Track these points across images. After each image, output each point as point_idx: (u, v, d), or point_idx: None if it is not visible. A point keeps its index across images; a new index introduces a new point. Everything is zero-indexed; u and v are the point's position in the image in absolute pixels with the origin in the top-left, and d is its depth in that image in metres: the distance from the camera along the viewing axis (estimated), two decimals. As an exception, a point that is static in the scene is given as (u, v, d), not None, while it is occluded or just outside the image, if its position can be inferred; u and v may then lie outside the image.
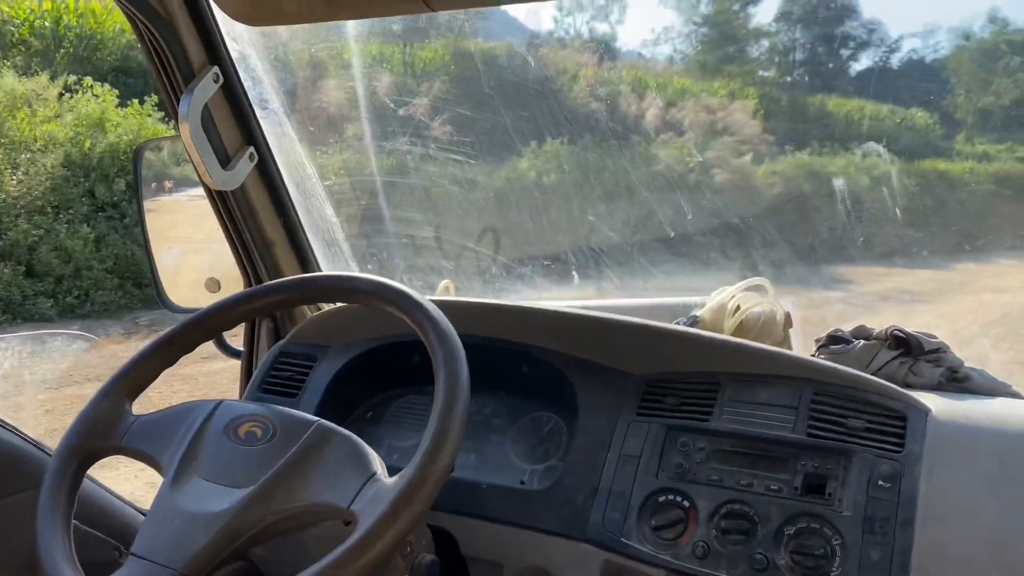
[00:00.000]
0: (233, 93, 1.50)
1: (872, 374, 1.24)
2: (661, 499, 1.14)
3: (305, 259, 1.77)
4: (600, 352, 1.31)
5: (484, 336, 1.38)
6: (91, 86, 9.42)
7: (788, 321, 1.45)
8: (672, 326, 1.34)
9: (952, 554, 1.00)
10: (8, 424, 1.32)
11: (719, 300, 1.47)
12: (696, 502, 1.12)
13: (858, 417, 1.13)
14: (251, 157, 1.57)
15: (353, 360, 1.47)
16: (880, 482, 1.06)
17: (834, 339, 1.37)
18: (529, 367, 1.37)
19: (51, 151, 8.80)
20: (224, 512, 0.95)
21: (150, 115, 9.58)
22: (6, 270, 7.99)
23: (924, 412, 1.12)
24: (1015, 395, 1.27)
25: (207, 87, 1.40)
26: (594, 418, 1.25)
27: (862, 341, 1.35)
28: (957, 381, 1.30)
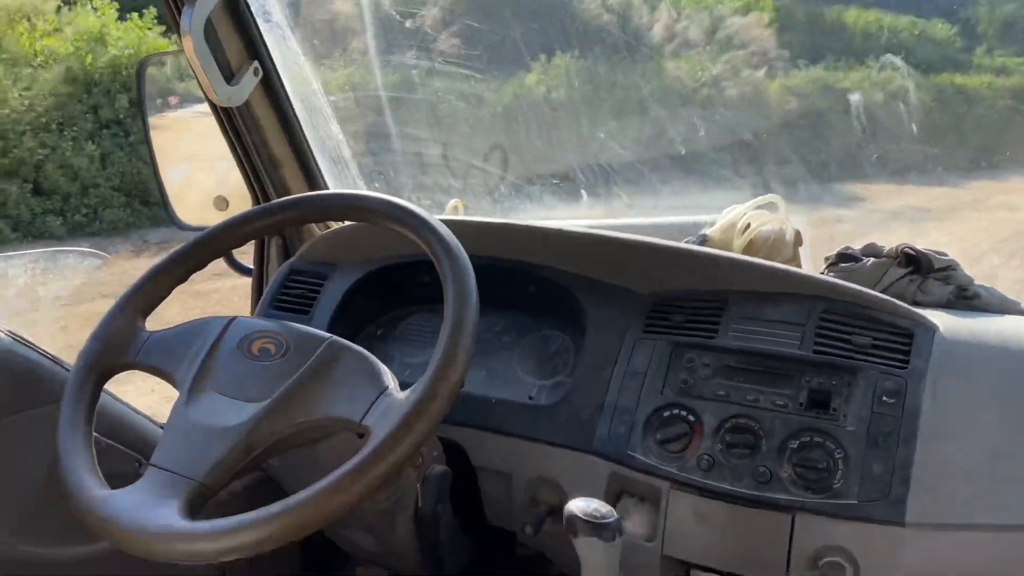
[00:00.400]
0: (235, 5, 1.47)
1: (881, 292, 1.24)
2: (666, 414, 1.16)
3: (312, 177, 1.76)
4: (607, 271, 1.31)
5: (492, 256, 1.38)
6: (90, -2, 9.21)
7: (798, 239, 1.44)
8: (680, 244, 1.33)
9: (952, 468, 1.02)
10: (26, 340, 1.34)
11: (729, 218, 1.46)
12: (701, 416, 1.14)
13: (864, 334, 1.13)
14: (255, 72, 1.54)
15: (363, 278, 1.48)
16: (884, 398, 1.07)
17: (844, 257, 1.37)
18: (536, 286, 1.38)
19: (52, 66, 8.66)
20: (240, 425, 0.97)
21: (150, 28, 9.38)
22: (14, 188, 7.98)
23: (931, 329, 1.13)
24: (1019, 311, 1.28)
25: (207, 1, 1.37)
26: (601, 335, 1.26)
27: (872, 259, 1.35)
28: (966, 299, 1.30)
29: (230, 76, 1.52)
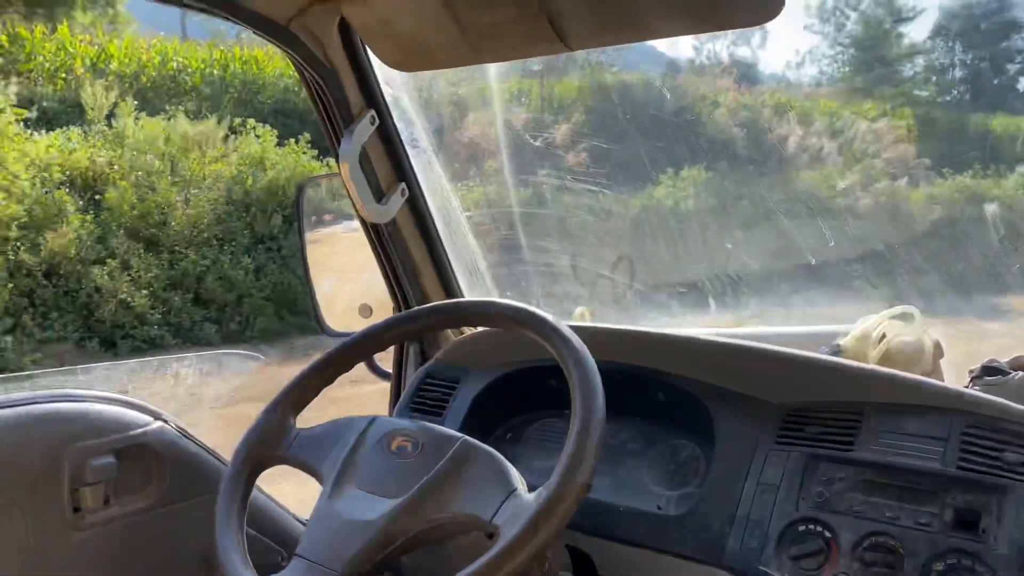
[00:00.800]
0: (387, 134, 1.61)
1: None
2: (801, 528, 1.12)
3: (449, 286, 1.86)
4: (738, 380, 1.30)
5: (620, 363, 1.40)
6: (254, 127, 10.20)
7: (938, 351, 1.39)
8: (813, 354, 1.32)
9: None
10: (189, 434, 1.47)
11: (863, 329, 1.43)
12: (838, 533, 1.09)
13: (1015, 451, 1.07)
14: (403, 193, 1.68)
15: (494, 382, 1.53)
16: None
17: (989, 370, 1.31)
18: (666, 394, 1.39)
19: (216, 188, 9.58)
20: (378, 519, 1.02)
21: (304, 152, 10.24)
22: (176, 298, 8.71)
23: None
24: None
25: (365, 129, 1.52)
26: (732, 446, 1.25)
27: (1020, 373, 1.28)
28: None
29: (380, 196, 1.66)
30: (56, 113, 10.44)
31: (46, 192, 8.67)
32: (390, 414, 1.73)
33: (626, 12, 1.16)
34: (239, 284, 9.08)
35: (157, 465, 1.41)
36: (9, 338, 7.85)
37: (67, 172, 9.21)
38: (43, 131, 9.79)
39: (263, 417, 1.22)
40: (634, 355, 1.42)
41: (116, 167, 9.29)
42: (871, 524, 1.08)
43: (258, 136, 10.16)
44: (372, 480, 1.08)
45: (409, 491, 1.04)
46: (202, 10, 1.29)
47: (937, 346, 1.39)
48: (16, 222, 8.25)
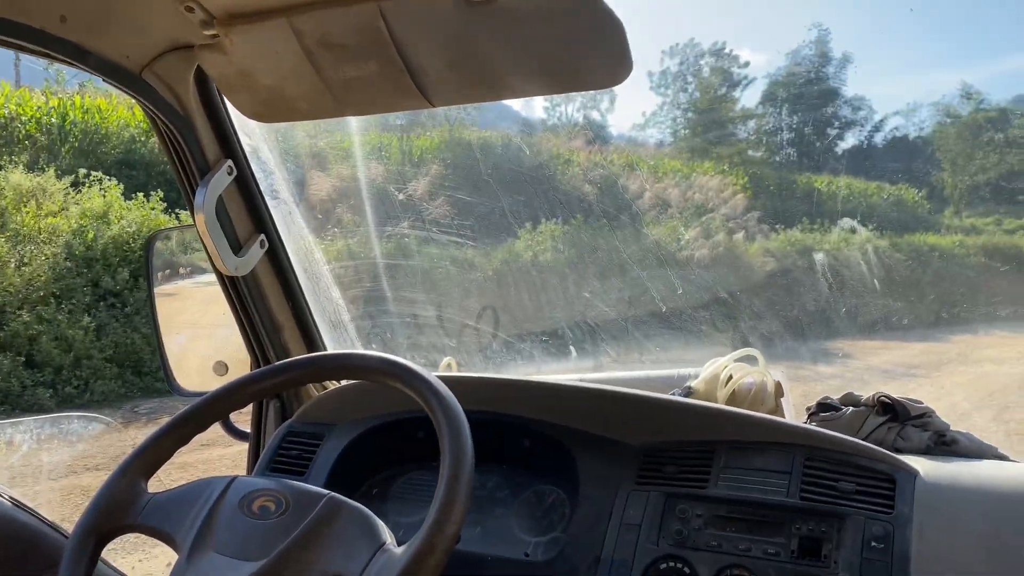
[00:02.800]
0: (246, 184, 1.58)
1: (862, 439, 1.27)
2: (663, 566, 1.16)
3: (312, 340, 1.81)
4: (598, 423, 1.34)
5: (485, 410, 1.41)
6: (100, 179, 9.65)
7: (779, 390, 1.49)
8: (667, 396, 1.38)
9: None
10: (27, 506, 1.35)
11: (712, 371, 1.51)
12: (696, 568, 1.14)
13: (849, 480, 1.16)
14: (262, 244, 1.64)
15: (359, 437, 1.50)
16: (873, 543, 1.08)
17: (824, 407, 1.41)
18: (531, 440, 1.41)
19: (54, 242, 8.95)
20: None
21: (154, 208, 9.78)
22: (6, 361, 8.00)
23: (912, 474, 1.16)
24: (1001, 457, 1.31)
25: (221, 179, 1.48)
26: (595, 489, 1.28)
27: (851, 408, 1.39)
28: (945, 444, 1.34)
29: (238, 247, 1.62)
30: None
31: None
32: (249, 475, 1.65)
33: (485, 71, 1.20)
34: (77, 344, 8.45)
35: None
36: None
37: None
38: None
39: (110, 483, 1.14)
40: (499, 402, 1.43)
41: (-65, 222, 8.63)
42: (726, 557, 1.13)
43: (102, 189, 9.62)
44: (232, 544, 1.03)
45: (271, 553, 0.99)
46: (50, 57, 1.23)
47: (778, 386, 1.49)
48: None
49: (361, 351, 1.25)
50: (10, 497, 1.34)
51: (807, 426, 1.27)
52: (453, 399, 1.10)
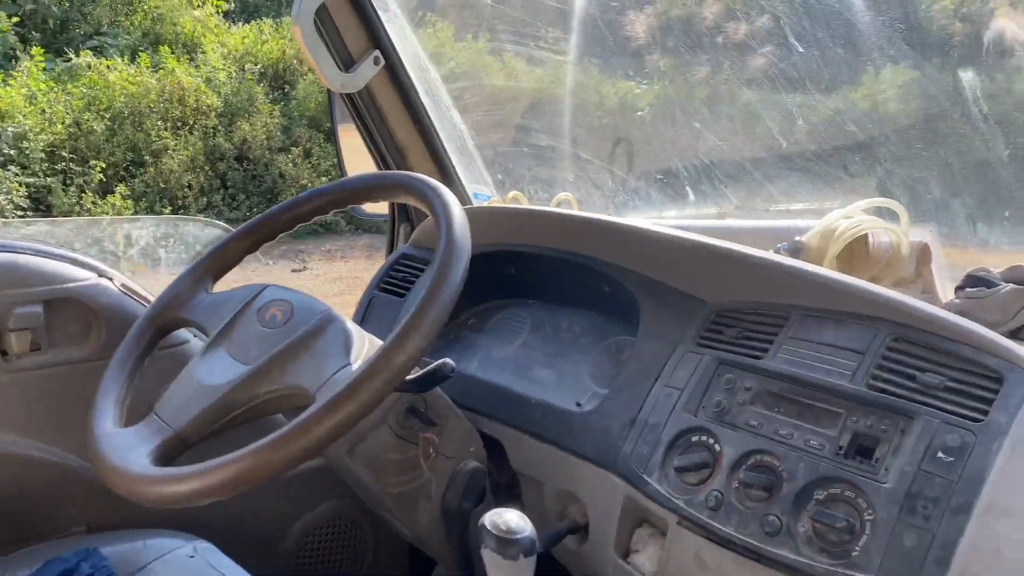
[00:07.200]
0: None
1: (1018, 328, 1.06)
2: (694, 439, 1.02)
3: (441, 164, 1.78)
4: (671, 273, 1.20)
5: (560, 249, 1.34)
6: None
7: (925, 255, 1.24)
8: (751, 251, 1.15)
9: (1010, 555, 0.80)
10: (135, 292, 1.47)
11: (829, 223, 1.26)
12: (723, 446, 0.99)
13: (939, 372, 0.91)
14: (375, 60, 1.58)
15: None
16: (940, 454, 0.85)
17: (975, 280, 1.15)
18: (610, 287, 1.30)
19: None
20: (224, 385, 1.01)
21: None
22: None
23: None
24: None
25: None
26: (651, 344, 1.15)
27: (1011, 285, 1.12)
28: None
29: (350, 63, 1.55)
30: (256, 4, 11.24)
31: (240, 83, 9.51)
32: None
33: None
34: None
35: (95, 319, 1.42)
36: (201, 216, 8.57)
37: (259, 64, 9.95)
38: (239, 23, 10.62)
39: (177, 281, 1.20)
40: (573, 241, 1.34)
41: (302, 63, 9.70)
42: (759, 440, 0.97)
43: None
44: (239, 347, 1.06)
45: (259, 359, 1.02)
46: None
47: (924, 250, 1.23)
48: (214, 111, 9.17)
49: (388, 172, 1.23)
50: (122, 284, 1.47)
51: (896, 296, 1.00)
52: (462, 227, 1.04)
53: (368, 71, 1.56)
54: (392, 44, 1.60)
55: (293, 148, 9.47)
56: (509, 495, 1.32)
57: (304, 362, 1.01)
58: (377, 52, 1.57)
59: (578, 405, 1.22)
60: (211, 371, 1.04)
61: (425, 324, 0.94)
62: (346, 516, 1.73)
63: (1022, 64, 1.37)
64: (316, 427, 0.89)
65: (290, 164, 9.30)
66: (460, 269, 1.00)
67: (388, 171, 1.19)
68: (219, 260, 1.23)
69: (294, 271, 7.82)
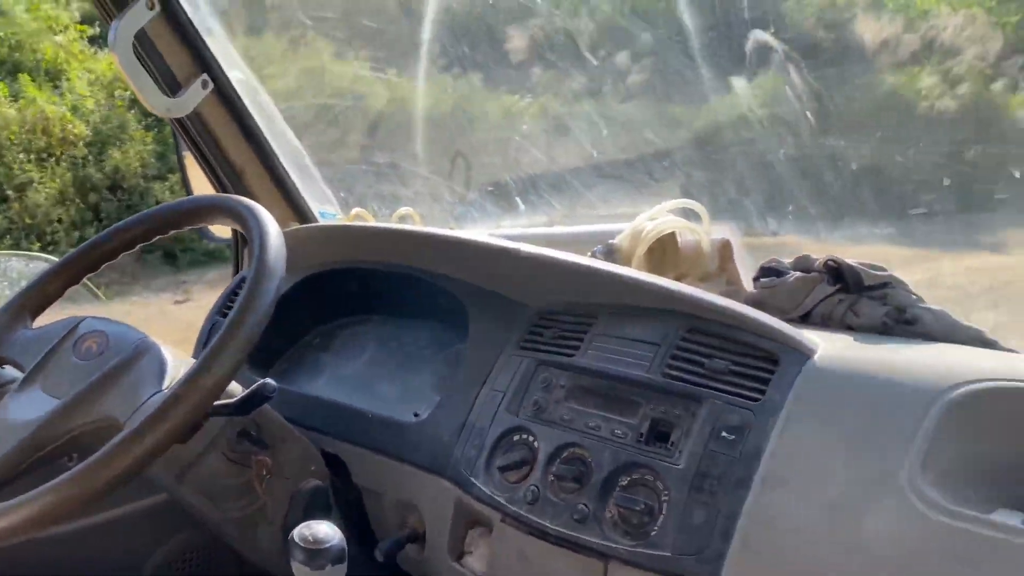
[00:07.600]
0: (175, 18, 1.49)
1: (807, 312, 1.15)
2: (515, 438, 1.07)
3: (281, 182, 1.77)
4: (496, 281, 1.24)
5: (392, 263, 1.37)
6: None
7: (727, 250, 1.33)
8: (565, 256, 1.21)
9: (783, 524, 0.86)
10: None
11: (636, 225, 1.34)
12: (540, 443, 1.04)
13: (724, 357, 0.99)
14: (203, 84, 1.57)
15: (301, 283, 1.47)
16: (724, 434, 0.92)
17: (767, 271, 1.23)
18: (443, 298, 1.33)
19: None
20: (34, 421, 0.99)
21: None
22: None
23: (805, 356, 0.95)
24: (988, 343, 1.05)
25: (138, 14, 1.39)
26: (478, 350, 1.19)
27: (798, 273, 1.19)
28: (906, 323, 1.09)
29: (177, 88, 1.54)
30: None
31: (110, 110, 9.11)
32: None
33: None
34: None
35: None
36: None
37: (129, 91, 8.93)
38: (106, 49, 9.43)
39: None
40: (406, 255, 1.36)
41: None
42: (569, 434, 1.02)
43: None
44: (52, 381, 1.05)
45: (71, 392, 1.00)
46: None
47: (726, 246, 1.32)
48: (82, 140, 8.75)
49: (205, 196, 1.25)
50: None
51: (685, 290, 1.07)
52: (276, 248, 1.04)
53: (196, 95, 1.56)
54: (220, 67, 1.60)
55: (170, 175, 9.09)
56: (356, 510, 1.32)
57: (116, 392, 1.00)
58: (205, 76, 1.57)
59: (416, 416, 1.24)
60: (21, 408, 1.02)
61: (232, 345, 0.94)
62: (201, 547, 1.69)
63: (782, 71, 1.51)
64: (122, 456, 0.88)
65: (167, 192, 8.95)
66: (270, 289, 1.00)
67: (208, 194, 1.19)
68: (38, 295, 1.20)
69: (177, 303, 7.57)
